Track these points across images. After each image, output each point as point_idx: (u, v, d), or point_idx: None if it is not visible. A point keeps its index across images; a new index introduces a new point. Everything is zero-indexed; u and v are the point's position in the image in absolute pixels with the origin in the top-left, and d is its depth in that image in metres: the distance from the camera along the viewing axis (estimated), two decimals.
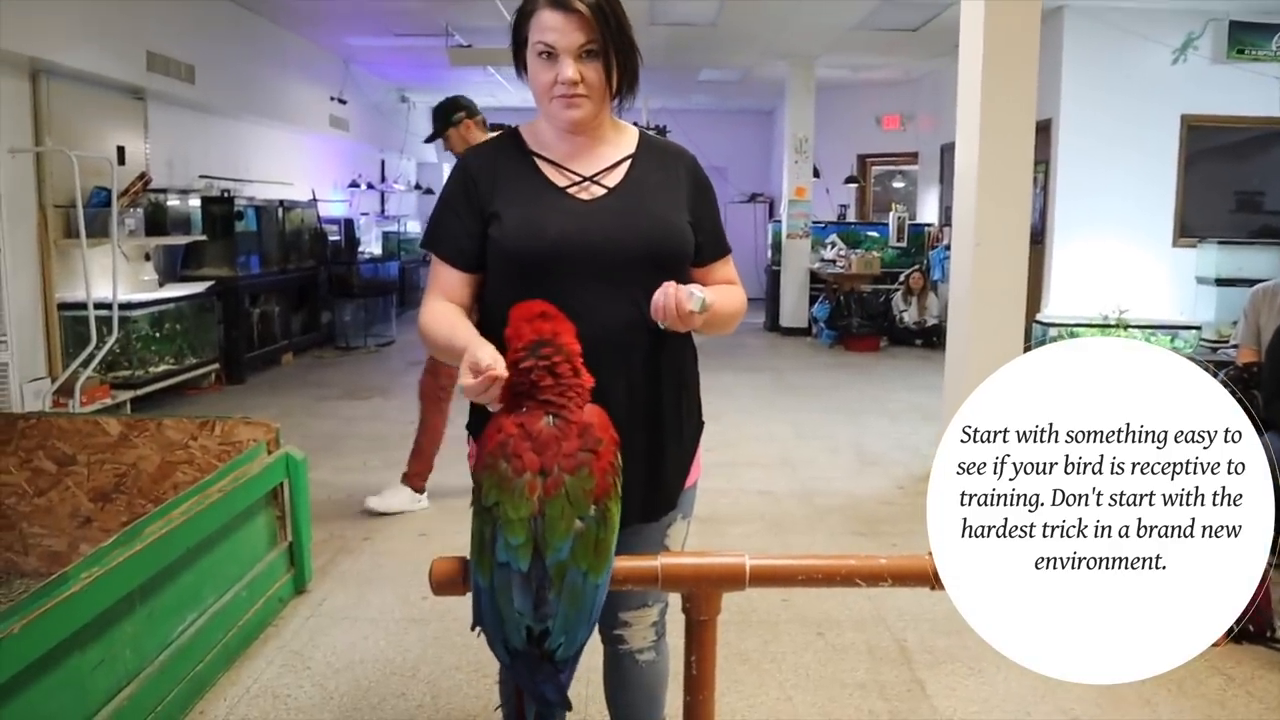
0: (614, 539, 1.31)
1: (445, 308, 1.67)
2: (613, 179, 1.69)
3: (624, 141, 1.74)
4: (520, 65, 1.67)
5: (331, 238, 10.19)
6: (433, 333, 1.64)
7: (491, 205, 1.66)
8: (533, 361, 1.34)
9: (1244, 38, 7.69)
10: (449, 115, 4.36)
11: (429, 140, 4.52)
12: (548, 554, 1.26)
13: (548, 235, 1.61)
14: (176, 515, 2.60)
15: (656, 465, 1.74)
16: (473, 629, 1.32)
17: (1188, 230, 8.02)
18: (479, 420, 1.72)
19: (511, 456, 1.30)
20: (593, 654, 2.50)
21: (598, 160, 1.70)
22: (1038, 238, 7.61)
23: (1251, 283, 4.59)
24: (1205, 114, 7.89)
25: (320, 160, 11.00)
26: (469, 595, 1.34)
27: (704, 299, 1.51)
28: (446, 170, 14.78)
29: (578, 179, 1.67)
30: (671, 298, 1.52)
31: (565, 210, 1.65)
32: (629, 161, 1.71)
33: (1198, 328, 7.69)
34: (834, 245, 11.02)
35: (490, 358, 1.36)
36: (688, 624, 1.34)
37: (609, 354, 1.56)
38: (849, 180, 13.03)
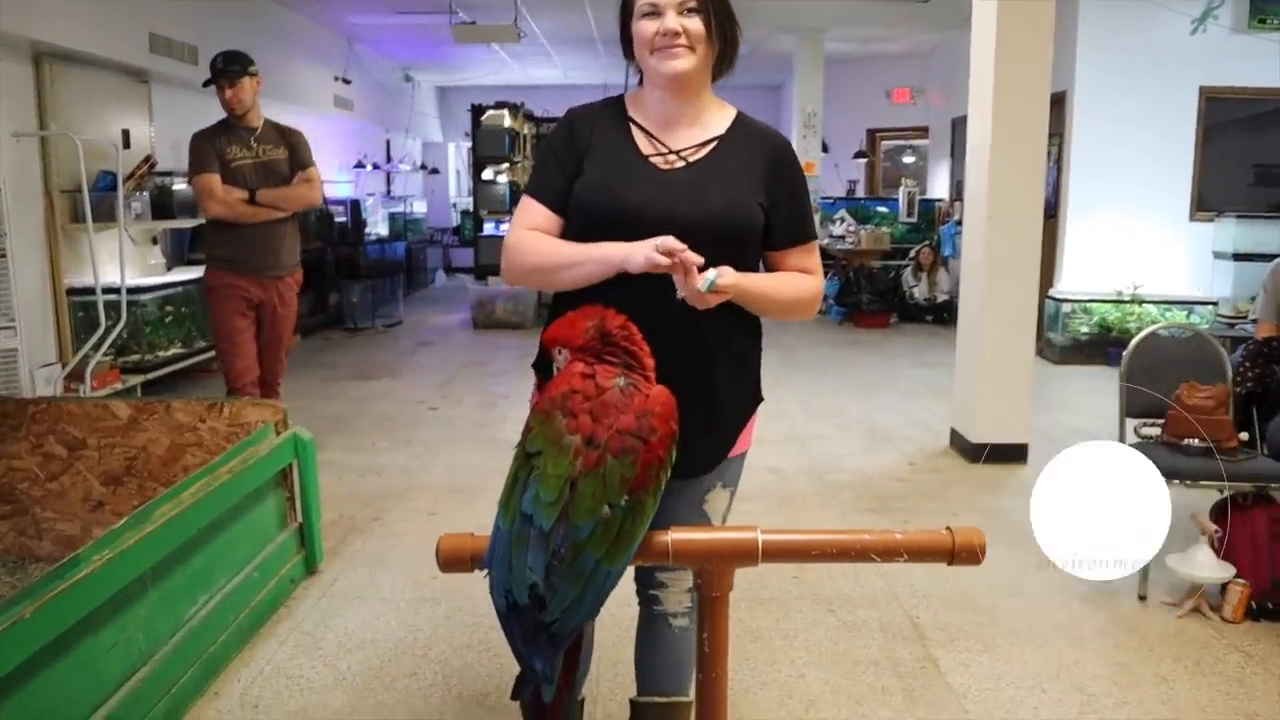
0: (641, 531, 1.28)
1: (545, 236, 1.75)
2: (696, 155, 1.75)
3: (720, 122, 1.80)
4: (625, 44, 1.77)
5: (337, 219, 10.16)
6: (552, 253, 1.72)
7: (584, 156, 1.76)
8: (624, 319, 1.36)
9: (1265, 7, 7.55)
10: (247, 63, 4.21)
11: (211, 83, 4.22)
12: (569, 528, 1.25)
13: (620, 198, 1.69)
14: (186, 497, 2.59)
15: (694, 424, 1.62)
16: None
17: (1205, 204, 7.92)
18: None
19: (569, 413, 1.29)
20: (617, 620, 2.50)
21: (690, 136, 1.77)
22: (1051, 212, 7.54)
23: (1270, 257, 4.52)
24: (1224, 85, 7.77)
25: (325, 141, 10.93)
26: (478, 572, 1.33)
27: (713, 280, 1.52)
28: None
29: (663, 150, 1.75)
30: (683, 272, 1.53)
31: (642, 177, 1.72)
32: (716, 141, 1.77)
33: (1214, 303, 7.62)
34: (843, 221, 10.95)
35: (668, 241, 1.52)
36: (699, 600, 1.32)
37: (660, 314, 1.58)
38: (858, 155, 12.94)
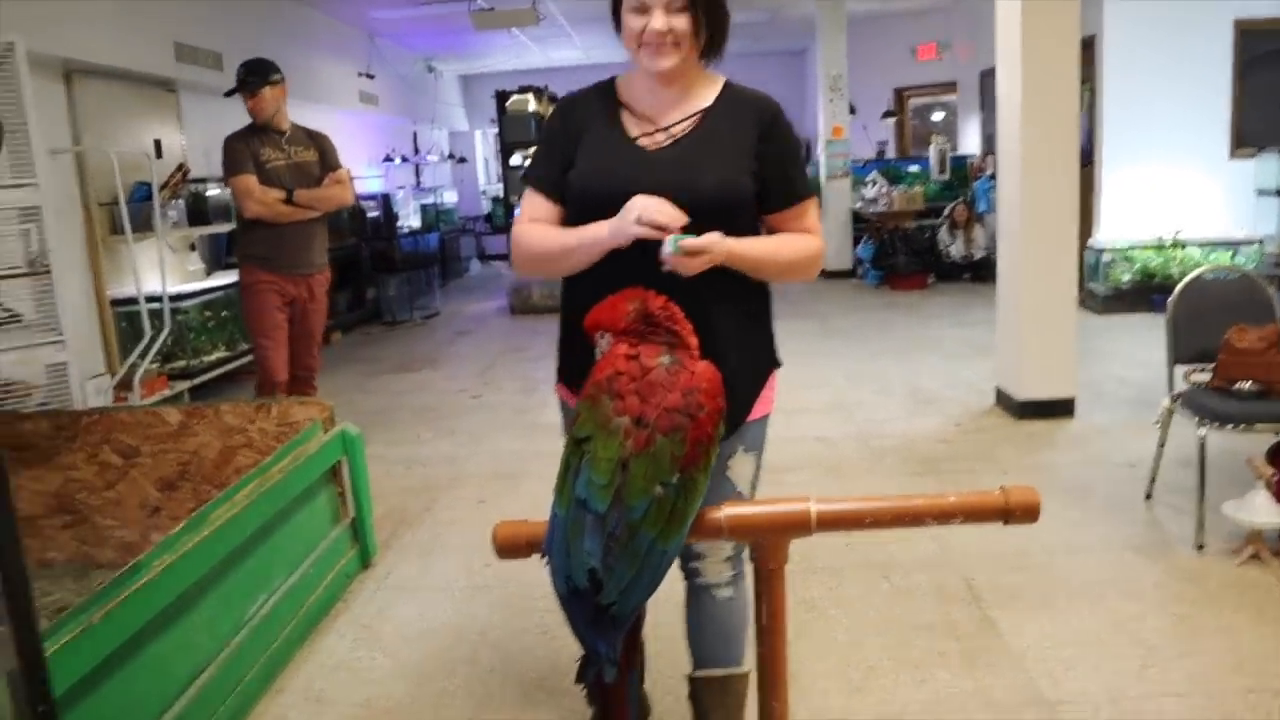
0: (694, 508, 1.29)
1: (545, 226, 1.83)
2: (681, 130, 1.79)
3: (706, 94, 1.83)
4: (617, 22, 1.79)
5: (370, 214, 10.22)
6: (548, 241, 1.79)
7: (576, 145, 1.82)
8: (665, 299, 1.38)
9: None
10: (268, 73, 4.31)
11: (234, 93, 4.36)
12: (623, 509, 1.25)
13: (609, 180, 1.74)
14: (240, 499, 2.63)
15: None
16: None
17: (1245, 140, 7.72)
18: (571, 366, 1.89)
19: (615, 395, 1.29)
20: (668, 597, 2.51)
21: (676, 112, 1.81)
22: (1086, 160, 7.38)
23: None
24: (1259, 17, 7.57)
25: (353, 137, 11.00)
26: (533, 557, 1.34)
27: (676, 242, 1.58)
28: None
29: (650, 130, 1.80)
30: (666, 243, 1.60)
31: (629, 158, 1.77)
32: (701, 115, 1.80)
33: (1260, 241, 7.45)
34: (875, 183, 10.83)
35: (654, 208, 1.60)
36: (756, 573, 1.32)
37: (658, 284, 1.57)
38: (886, 115, 12.77)
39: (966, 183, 10.73)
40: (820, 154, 10.95)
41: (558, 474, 1.34)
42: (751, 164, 1.79)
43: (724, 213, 1.73)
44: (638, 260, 1.64)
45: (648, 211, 1.60)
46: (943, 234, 9.98)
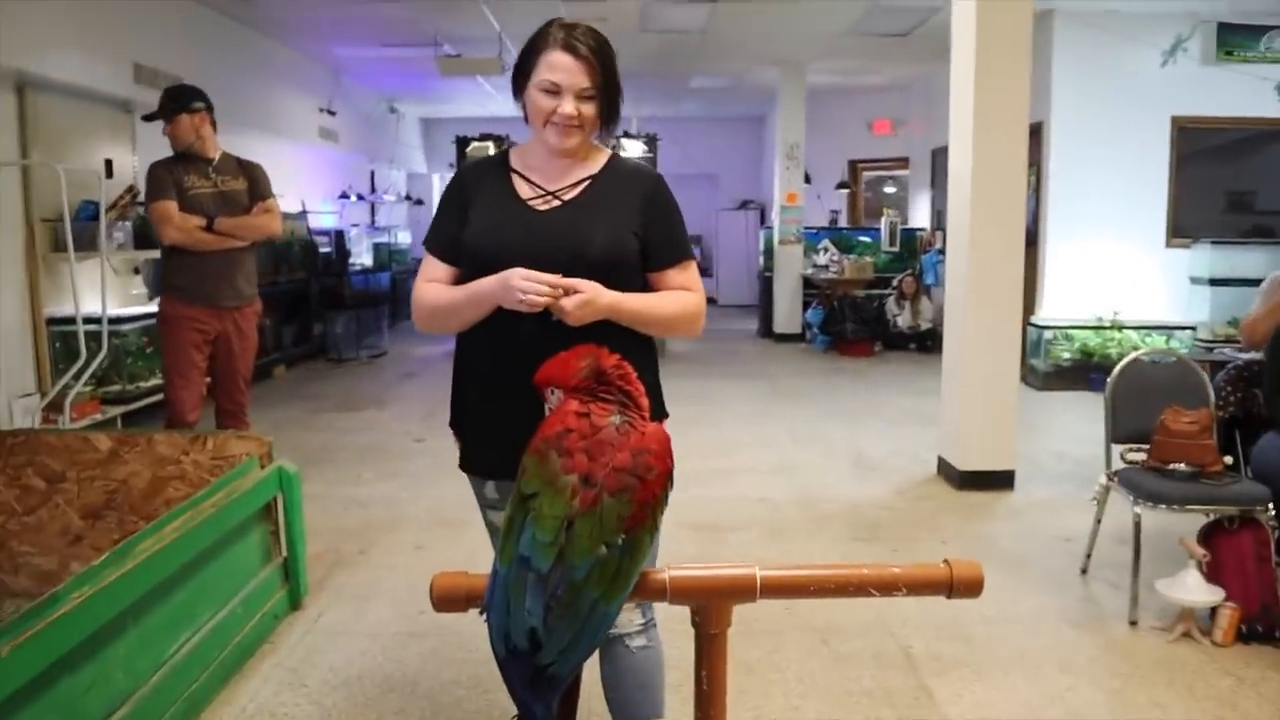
0: (638, 570, 1.27)
1: (439, 285, 1.94)
2: (570, 195, 1.92)
3: (594, 163, 1.97)
4: (518, 90, 1.91)
5: (322, 249, 10.13)
6: (441, 300, 1.91)
7: (469, 209, 1.93)
8: (619, 358, 1.36)
9: (1232, 39, 7.71)
10: (187, 101, 4.20)
11: (152, 118, 4.27)
12: (566, 569, 1.22)
13: (500, 239, 1.86)
14: (168, 532, 2.55)
15: None
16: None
17: (1180, 231, 8.02)
18: (462, 415, 2.03)
19: (564, 452, 1.27)
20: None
21: (567, 178, 1.93)
22: (1031, 240, 7.60)
23: (1245, 282, 4.56)
24: (1196, 115, 7.92)
25: (310, 172, 10.95)
26: (471, 611, 1.30)
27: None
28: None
29: (541, 192, 1.92)
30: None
31: (521, 219, 1.90)
32: (590, 180, 1.94)
33: (1193, 327, 7.68)
34: (827, 251, 11.01)
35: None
36: (697, 638, 1.30)
37: (554, 343, 1.56)
38: (840, 186, 13.04)
39: (915, 255, 10.96)
40: (774, 219, 11.11)
41: (501, 530, 1.31)
42: (637, 226, 1.92)
43: (610, 270, 1.84)
44: (526, 314, 1.76)
45: (525, 286, 1.72)
46: (891, 304, 10.16)
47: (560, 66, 1.82)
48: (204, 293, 4.11)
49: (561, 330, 1.72)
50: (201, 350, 4.15)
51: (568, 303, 1.74)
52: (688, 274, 2.00)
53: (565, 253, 1.81)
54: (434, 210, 2.07)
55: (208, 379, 4.28)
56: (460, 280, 1.92)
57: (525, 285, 1.73)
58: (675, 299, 1.96)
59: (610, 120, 1.93)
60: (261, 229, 4.30)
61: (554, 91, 1.83)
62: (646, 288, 1.96)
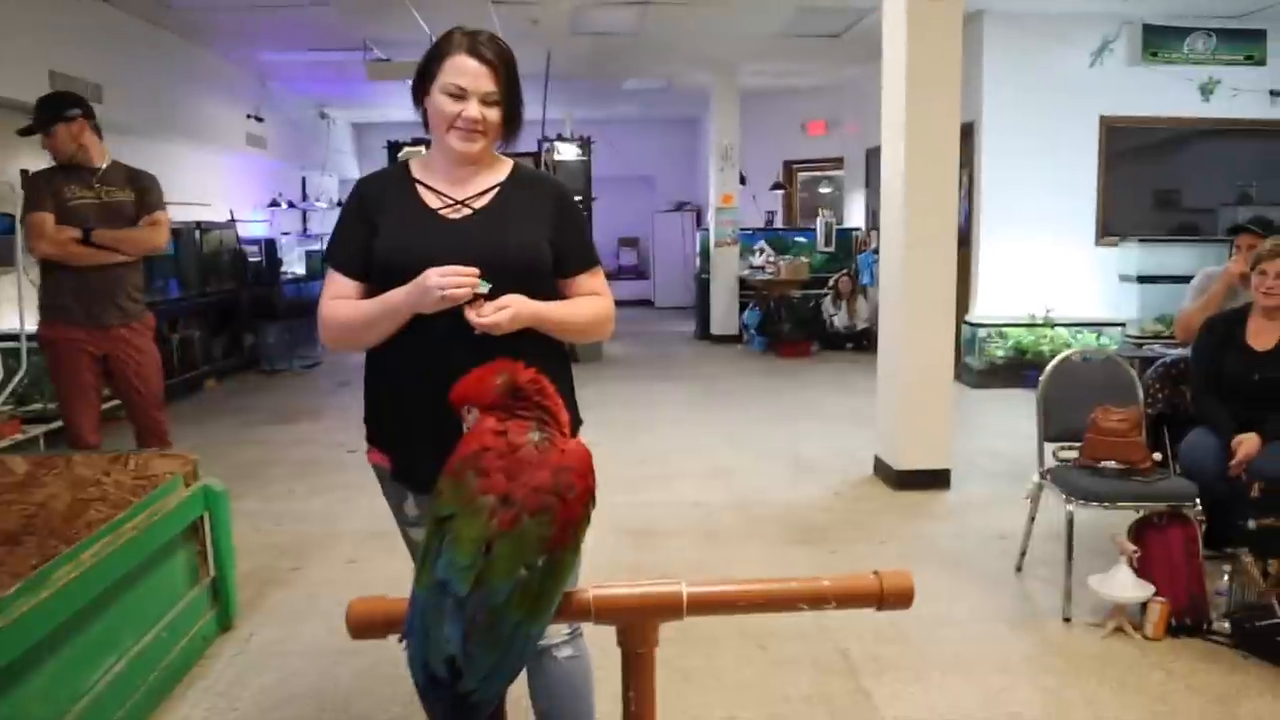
0: (560, 591, 1.23)
1: (348, 300, 1.91)
2: (480, 202, 1.92)
3: (498, 172, 1.97)
4: (418, 96, 1.91)
5: (252, 259, 9.92)
6: (352, 315, 1.88)
7: (375, 222, 1.90)
8: (535, 372, 1.32)
9: (1157, 41, 7.91)
10: (62, 109, 3.92)
11: (27, 132, 4.01)
12: (486, 592, 1.18)
13: (415, 250, 1.83)
14: (87, 557, 2.46)
15: None
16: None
17: (1110, 229, 8.21)
18: (377, 430, 2.01)
19: (480, 473, 1.22)
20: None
21: (471, 186, 1.93)
22: (964, 239, 7.71)
23: (1173, 279, 4.68)
24: (1123, 115, 8.11)
25: (238, 180, 10.73)
26: (392, 639, 1.26)
27: (483, 287, 1.75)
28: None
29: (450, 202, 1.91)
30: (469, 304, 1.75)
31: (433, 229, 1.88)
32: (497, 189, 1.94)
33: (1122, 324, 7.86)
34: (762, 252, 11.07)
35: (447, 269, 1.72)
36: (624, 658, 1.27)
37: (467, 352, 1.64)
38: (775, 187, 13.12)
39: (851, 255, 11.06)
40: (710, 221, 11.14)
41: (420, 553, 1.27)
42: (549, 233, 1.93)
43: (526, 276, 1.86)
44: (440, 324, 1.77)
45: (444, 282, 1.71)
46: (827, 304, 10.24)
47: (465, 70, 1.83)
48: (85, 312, 3.88)
49: (478, 340, 1.73)
50: (92, 370, 3.93)
51: (500, 316, 1.74)
52: (597, 279, 2.03)
53: (483, 260, 1.79)
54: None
55: (108, 397, 4.09)
56: (369, 294, 1.90)
57: (444, 281, 1.71)
58: (590, 304, 1.98)
59: (512, 128, 1.93)
60: (143, 243, 4.02)
61: (459, 96, 1.83)
62: (556, 294, 1.96)
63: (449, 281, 1.71)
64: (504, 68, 1.86)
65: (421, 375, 1.83)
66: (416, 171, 1.97)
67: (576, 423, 1.95)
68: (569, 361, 2.03)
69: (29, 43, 6.13)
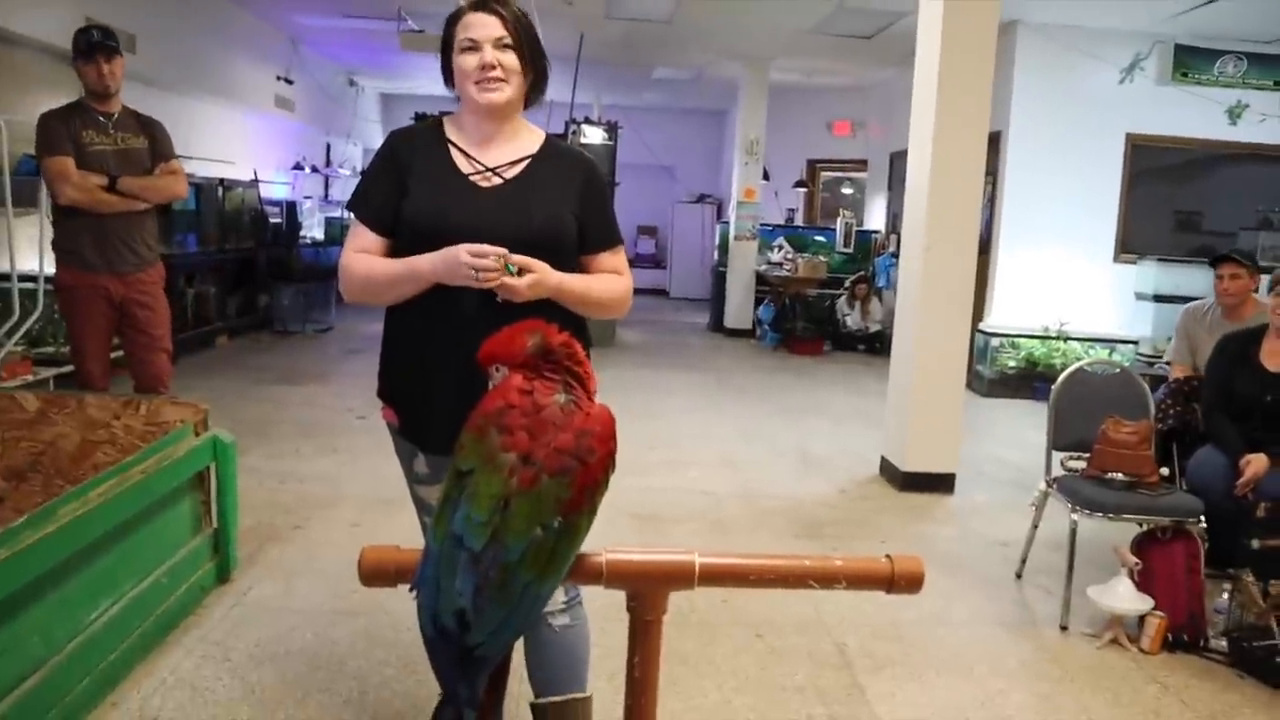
0: (573, 553, 1.23)
1: (372, 257, 1.90)
2: (511, 172, 1.92)
3: (531, 143, 1.98)
4: (447, 72, 1.93)
5: (272, 220, 9.94)
6: (376, 272, 1.87)
7: (406, 180, 1.90)
8: (568, 336, 1.31)
9: (1188, 61, 7.86)
10: (110, 39, 3.91)
11: (90, 54, 3.86)
12: (500, 549, 1.18)
13: (446, 214, 1.85)
14: (94, 497, 2.47)
15: None
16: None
17: (1129, 246, 8.17)
18: (392, 387, 2.00)
19: (504, 430, 1.22)
20: None
21: (503, 154, 1.93)
22: (983, 247, 7.69)
23: (1188, 300, 4.68)
24: (1149, 134, 8.06)
25: (263, 140, 10.74)
26: (402, 588, 1.26)
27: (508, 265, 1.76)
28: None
29: (481, 168, 1.91)
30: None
31: (464, 194, 1.88)
32: (529, 160, 1.94)
33: (1135, 342, 7.83)
34: (781, 248, 11.04)
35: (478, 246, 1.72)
36: (631, 624, 1.27)
37: (490, 318, 1.63)
38: (798, 184, 13.08)
39: (869, 257, 11.03)
40: (730, 214, 11.11)
41: (437, 505, 1.27)
42: (575, 208, 1.95)
43: (550, 249, 1.86)
44: (468, 294, 1.77)
45: (477, 263, 1.72)
46: (842, 304, 10.22)
47: (474, 23, 1.86)
48: (104, 258, 3.87)
49: (501, 307, 1.73)
50: (106, 316, 3.94)
51: (520, 281, 1.74)
52: (619, 258, 2.05)
53: (510, 230, 1.81)
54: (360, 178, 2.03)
55: (117, 347, 4.09)
56: (393, 251, 1.90)
57: (476, 261, 1.71)
58: (610, 281, 2.00)
59: (537, 87, 1.95)
60: (166, 191, 4.06)
61: (473, 47, 1.85)
62: (578, 269, 1.96)
63: (482, 264, 1.72)
64: (513, 17, 1.87)
65: (443, 339, 1.83)
66: (450, 131, 1.96)
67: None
68: (588, 337, 2.01)
69: None
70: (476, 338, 1.35)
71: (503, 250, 1.74)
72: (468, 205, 1.86)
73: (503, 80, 1.86)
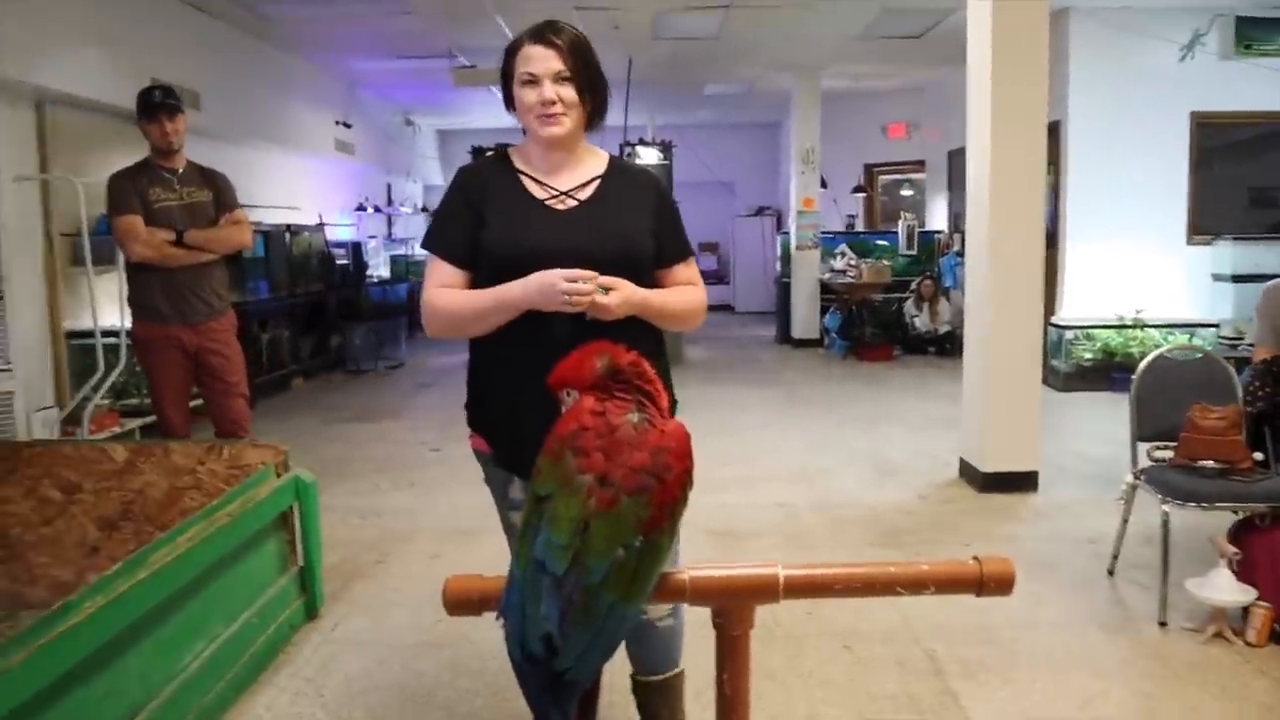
0: (657, 570, 1.23)
1: (455, 290, 1.94)
2: (585, 194, 1.97)
3: (597, 163, 2.03)
4: (509, 100, 1.97)
5: (339, 261, 10.16)
6: (462, 306, 1.91)
7: (482, 212, 1.94)
8: (636, 355, 1.33)
9: (1251, 33, 7.61)
10: (172, 98, 4.06)
11: (154, 113, 4.01)
12: (582, 571, 1.18)
13: (527, 240, 1.89)
14: (183, 541, 2.53)
15: None
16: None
17: (1201, 228, 7.92)
18: (485, 416, 2.03)
19: (579, 452, 1.23)
20: None
21: (573, 178, 1.99)
22: (1050, 240, 7.52)
23: (1269, 278, 4.51)
24: (1215, 110, 7.81)
25: (327, 184, 10.99)
26: (486, 615, 1.27)
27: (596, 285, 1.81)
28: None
29: (554, 192, 1.96)
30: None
31: (542, 219, 1.93)
32: (599, 180, 1.99)
33: (1215, 325, 7.59)
34: (844, 255, 10.94)
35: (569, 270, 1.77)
36: (719, 640, 1.26)
37: (579, 339, 1.64)
38: (856, 190, 12.97)
39: (933, 258, 10.87)
40: (791, 225, 11.06)
41: (519, 533, 1.28)
42: (650, 224, 2.00)
43: (631, 265, 1.91)
44: (559, 319, 1.81)
45: (571, 289, 1.76)
46: (909, 307, 10.08)
47: (533, 56, 1.89)
48: (176, 310, 3.99)
49: (590, 328, 1.77)
50: (182, 366, 4.04)
51: (610, 300, 1.79)
52: (692, 269, 2.09)
53: (592, 250, 1.86)
54: (432, 216, 2.08)
55: (196, 395, 4.20)
56: (473, 282, 1.94)
57: (571, 287, 1.76)
58: (686, 294, 2.05)
59: (596, 113, 1.98)
60: (232, 241, 4.18)
61: (532, 81, 1.89)
62: (655, 284, 2.00)
63: (575, 289, 1.76)
64: (571, 47, 1.90)
65: (533, 364, 1.82)
66: (517, 162, 2.01)
67: (673, 402, 1.98)
68: (665, 347, 2.07)
69: (132, 52, 6.36)
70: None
71: (592, 273, 1.78)
72: (547, 229, 1.91)
73: (563, 114, 1.90)
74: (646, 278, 1.96)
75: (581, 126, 1.96)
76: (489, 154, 2.13)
